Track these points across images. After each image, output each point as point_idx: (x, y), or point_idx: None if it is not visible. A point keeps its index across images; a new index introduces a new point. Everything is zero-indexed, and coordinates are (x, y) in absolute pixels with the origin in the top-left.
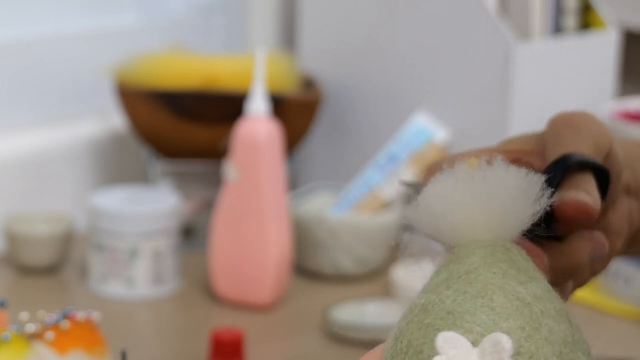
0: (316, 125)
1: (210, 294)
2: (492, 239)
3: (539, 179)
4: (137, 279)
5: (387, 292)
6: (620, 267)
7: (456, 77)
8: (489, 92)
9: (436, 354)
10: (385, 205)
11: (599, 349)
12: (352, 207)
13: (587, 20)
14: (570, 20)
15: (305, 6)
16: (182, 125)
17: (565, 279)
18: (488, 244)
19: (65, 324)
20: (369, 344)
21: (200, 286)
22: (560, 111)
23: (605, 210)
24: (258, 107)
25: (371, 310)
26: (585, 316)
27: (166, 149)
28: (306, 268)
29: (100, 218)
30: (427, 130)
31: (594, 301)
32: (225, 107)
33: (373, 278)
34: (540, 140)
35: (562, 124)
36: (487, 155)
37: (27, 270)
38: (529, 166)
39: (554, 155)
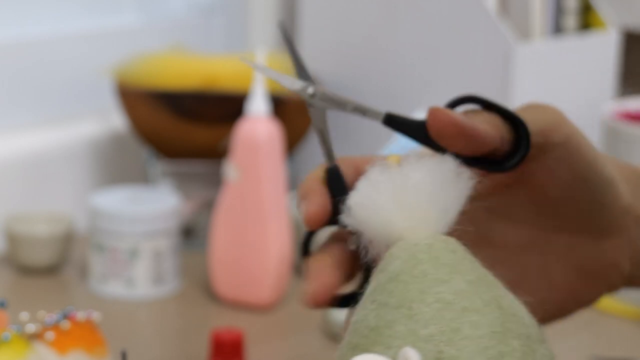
0: None
1: (210, 294)
2: (420, 235)
3: (454, 162)
4: (137, 279)
5: None
6: None
7: (456, 77)
8: (489, 92)
9: None
10: None
11: (599, 349)
12: None
13: (587, 20)
14: (570, 20)
15: (305, 6)
16: (182, 125)
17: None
18: (412, 244)
19: (65, 324)
20: None
21: (200, 286)
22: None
23: (532, 158)
24: (258, 107)
25: None
26: (585, 316)
27: (166, 149)
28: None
29: (100, 218)
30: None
31: None
32: (225, 107)
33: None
34: None
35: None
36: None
37: (27, 270)
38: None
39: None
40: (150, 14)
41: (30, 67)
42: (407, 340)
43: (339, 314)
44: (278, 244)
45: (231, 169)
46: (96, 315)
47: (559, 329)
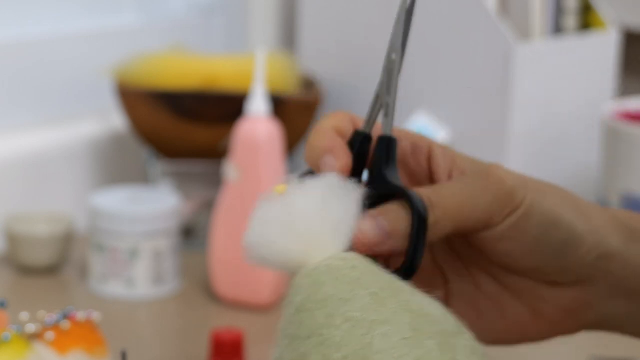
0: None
1: (210, 294)
2: (319, 258)
3: (337, 177)
4: (137, 279)
5: None
6: None
7: (456, 77)
8: (489, 92)
9: None
10: None
11: (599, 349)
12: None
13: (587, 20)
14: (570, 20)
15: (305, 6)
16: (182, 125)
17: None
18: (311, 269)
19: (65, 324)
20: None
21: (200, 286)
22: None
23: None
24: (258, 107)
25: None
26: None
27: (166, 149)
28: None
29: (100, 218)
30: (427, 130)
31: None
32: (225, 107)
33: None
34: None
35: None
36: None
37: (27, 270)
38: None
39: None
40: (150, 14)
41: (30, 67)
42: None
43: None
44: None
45: (231, 169)
46: (96, 315)
47: None
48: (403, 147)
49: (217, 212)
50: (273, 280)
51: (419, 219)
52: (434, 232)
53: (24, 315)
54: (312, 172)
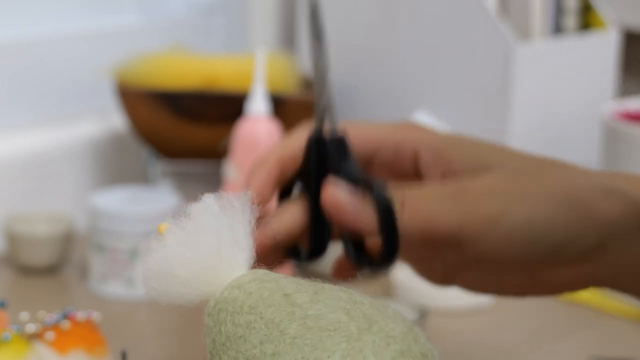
0: None
1: None
2: (217, 290)
3: (213, 200)
4: (137, 279)
5: (387, 292)
6: None
7: (456, 77)
8: (489, 92)
9: None
10: None
11: (599, 349)
12: None
13: (587, 20)
14: (570, 20)
15: (305, 6)
16: (182, 125)
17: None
18: (212, 309)
19: (65, 324)
20: None
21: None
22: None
23: None
24: (258, 107)
25: None
26: (585, 316)
27: (166, 149)
28: (306, 268)
29: (100, 218)
30: None
31: (594, 301)
32: (225, 107)
33: (373, 278)
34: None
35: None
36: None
37: (27, 270)
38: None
39: None
40: (150, 14)
41: (30, 67)
42: None
43: None
44: None
45: (231, 169)
46: (96, 315)
47: (559, 329)
48: (385, 152)
49: None
50: None
51: (384, 207)
52: (403, 233)
53: (24, 315)
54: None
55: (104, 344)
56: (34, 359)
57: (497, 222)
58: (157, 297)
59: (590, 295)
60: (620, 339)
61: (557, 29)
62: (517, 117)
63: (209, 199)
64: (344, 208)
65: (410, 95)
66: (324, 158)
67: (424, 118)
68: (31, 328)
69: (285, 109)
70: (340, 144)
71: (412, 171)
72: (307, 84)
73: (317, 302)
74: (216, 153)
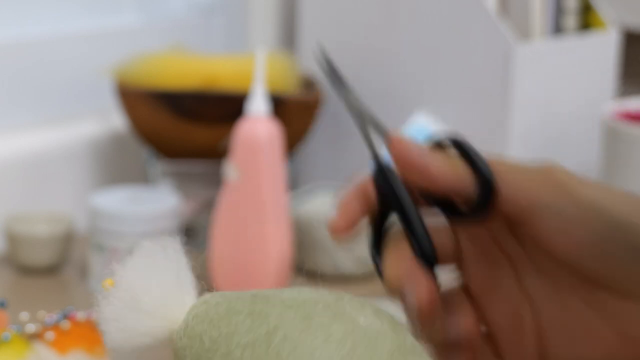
0: (316, 125)
1: None
2: (175, 326)
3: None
4: None
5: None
6: None
7: (456, 77)
8: (489, 92)
9: None
10: None
11: None
12: None
13: (587, 20)
14: (570, 20)
15: (305, 6)
16: (182, 125)
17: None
18: (178, 350)
19: (65, 324)
20: None
21: (201, 286)
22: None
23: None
24: (258, 107)
25: None
26: None
27: (166, 149)
28: (306, 268)
29: (100, 218)
30: (427, 130)
31: None
32: (225, 107)
33: (373, 278)
34: None
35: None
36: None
37: (27, 270)
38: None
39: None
40: (150, 14)
41: (30, 67)
42: None
43: None
44: (278, 244)
45: (231, 169)
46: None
47: None
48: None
49: (217, 212)
50: (273, 280)
51: (486, 180)
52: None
53: (24, 315)
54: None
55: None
56: (34, 359)
57: (578, 198)
58: (118, 340)
59: None
60: None
61: (557, 29)
62: (517, 117)
63: (145, 246)
64: (435, 165)
65: (410, 95)
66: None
67: (424, 118)
68: (31, 328)
69: (285, 109)
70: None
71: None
72: (307, 84)
73: (283, 291)
74: (216, 153)
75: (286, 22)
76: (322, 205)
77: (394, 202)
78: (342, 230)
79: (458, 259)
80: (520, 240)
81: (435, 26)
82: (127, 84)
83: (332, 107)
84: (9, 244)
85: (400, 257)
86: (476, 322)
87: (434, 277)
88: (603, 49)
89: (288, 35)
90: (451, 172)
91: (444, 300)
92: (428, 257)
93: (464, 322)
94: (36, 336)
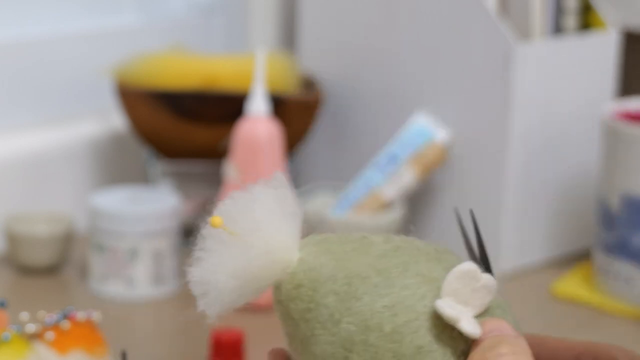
0: (316, 125)
1: None
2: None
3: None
4: (137, 279)
5: None
6: (620, 267)
7: (456, 77)
8: (489, 92)
9: None
10: (385, 205)
11: None
12: (352, 207)
13: (587, 20)
14: (570, 20)
15: (305, 6)
16: (182, 125)
17: None
18: (299, 279)
19: (65, 324)
20: None
21: None
22: None
23: None
24: (258, 107)
25: None
26: (585, 316)
27: (166, 149)
28: None
29: (100, 218)
30: (427, 130)
31: (594, 301)
32: (225, 107)
33: None
34: None
35: None
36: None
37: (27, 270)
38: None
39: None
40: (150, 14)
41: (30, 67)
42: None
43: None
44: None
45: (231, 169)
46: (96, 315)
47: (559, 329)
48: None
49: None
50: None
51: None
52: None
53: (24, 315)
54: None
55: (104, 344)
56: (34, 359)
57: None
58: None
59: (590, 295)
60: (620, 339)
61: (557, 29)
62: (517, 117)
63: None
64: None
65: (410, 95)
66: None
67: (424, 118)
68: (31, 328)
69: (285, 109)
70: None
71: None
72: (307, 84)
73: (389, 239)
74: (216, 153)
75: (286, 22)
76: (322, 205)
77: None
78: None
79: None
80: None
81: (435, 26)
82: (127, 84)
83: (332, 107)
84: (9, 244)
85: None
86: None
87: None
88: (603, 49)
89: (288, 35)
90: None
91: None
92: None
93: None
94: (36, 336)
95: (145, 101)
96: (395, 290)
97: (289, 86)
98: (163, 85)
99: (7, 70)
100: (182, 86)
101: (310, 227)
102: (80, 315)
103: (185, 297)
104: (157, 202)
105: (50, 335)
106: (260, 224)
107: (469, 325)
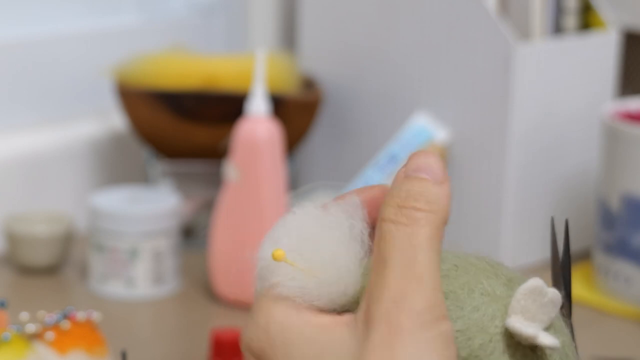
0: (316, 125)
1: (210, 294)
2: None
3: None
4: (137, 279)
5: None
6: (620, 267)
7: (456, 77)
8: (489, 92)
9: None
10: None
11: (599, 349)
12: None
13: (587, 20)
14: (570, 20)
15: (305, 6)
16: (182, 125)
17: None
18: None
19: (65, 324)
20: None
21: (200, 286)
22: None
23: None
24: (258, 107)
25: None
26: (585, 316)
27: (166, 149)
28: None
29: (100, 218)
30: (427, 130)
31: (594, 301)
32: (225, 107)
33: None
34: None
35: None
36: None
37: (27, 270)
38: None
39: None
40: (150, 14)
41: (30, 67)
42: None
43: None
44: None
45: (231, 169)
46: (96, 315)
47: None
48: None
49: (217, 212)
50: None
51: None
52: None
53: (24, 315)
54: None
55: (104, 344)
56: (34, 359)
57: None
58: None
59: (590, 295)
60: (620, 339)
61: (557, 29)
62: (517, 117)
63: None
64: None
65: (410, 95)
66: None
67: (424, 118)
68: (31, 328)
69: (285, 109)
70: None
71: None
72: (307, 84)
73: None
74: (216, 153)
75: (286, 22)
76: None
77: None
78: None
79: None
80: None
81: (435, 26)
82: (127, 84)
83: (332, 107)
84: (9, 244)
85: None
86: None
87: None
88: (603, 49)
89: (288, 35)
90: None
91: None
92: None
93: None
94: (36, 336)
95: (145, 101)
96: (466, 313)
97: (289, 86)
98: (163, 85)
99: (7, 70)
100: (182, 86)
101: None
102: (80, 315)
103: (185, 297)
104: (157, 202)
105: (50, 335)
106: (328, 257)
107: (547, 339)
